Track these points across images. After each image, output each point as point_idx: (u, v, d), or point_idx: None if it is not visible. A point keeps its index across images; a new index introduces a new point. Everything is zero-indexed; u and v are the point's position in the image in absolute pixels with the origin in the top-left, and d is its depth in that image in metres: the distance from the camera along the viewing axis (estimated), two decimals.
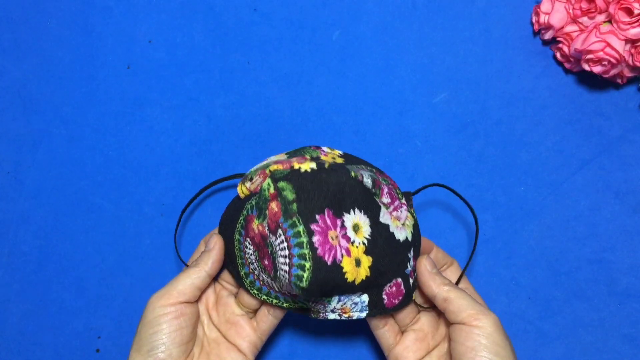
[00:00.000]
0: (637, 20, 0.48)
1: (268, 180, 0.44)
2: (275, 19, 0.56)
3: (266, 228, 0.44)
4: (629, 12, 0.48)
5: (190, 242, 0.54)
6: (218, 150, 0.55)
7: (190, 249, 0.54)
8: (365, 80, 0.55)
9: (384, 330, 0.47)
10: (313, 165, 0.44)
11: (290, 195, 0.43)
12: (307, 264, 0.42)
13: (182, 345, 0.43)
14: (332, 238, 0.43)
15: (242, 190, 0.46)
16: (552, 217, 0.53)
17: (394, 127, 0.55)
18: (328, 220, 0.43)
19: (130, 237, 0.54)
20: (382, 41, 0.56)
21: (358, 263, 0.43)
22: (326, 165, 0.44)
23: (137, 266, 0.54)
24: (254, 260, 0.46)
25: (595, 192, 0.53)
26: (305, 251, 0.42)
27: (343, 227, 0.43)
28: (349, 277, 0.43)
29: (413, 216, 0.48)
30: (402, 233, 0.46)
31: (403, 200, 0.47)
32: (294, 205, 0.43)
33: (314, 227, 0.42)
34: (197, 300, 0.46)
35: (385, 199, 0.45)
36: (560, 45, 0.53)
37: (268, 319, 0.47)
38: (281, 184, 0.44)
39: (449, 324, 0.45)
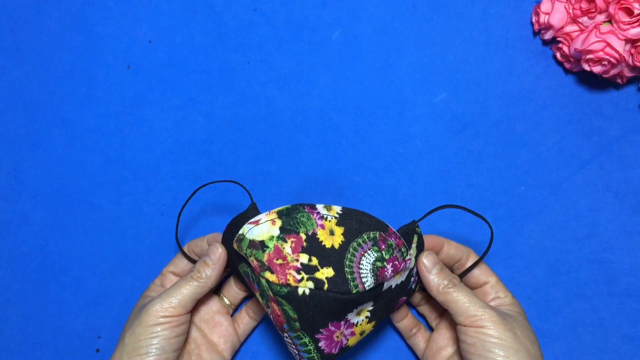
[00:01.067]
0: (637, 20, 0.48)
1: (266, 284, 0.43)
2: (275, 19, 0.56)
3: (271, 316, 0.45)
4: (629, 12, 0.48)
5: (189, 237, 0.54)
6: (218, 150, 0.55)
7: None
8: (365, 80, 0.55)
9: (416, 337, 0.50)
10: (311, 285, 0.41)
11: (291, 313, 0.42)
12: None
13: (177, 351, 0.45)
14: (337, 336, 0.44)
15: (237, 249, 0.45)
16: (552, 217, 0.53)
17: (394, 127, 0.55)
18: (332, 328, 0.44)
19: (130, 237, 0.54)
20: (382, 41, 0.56)
21: (362, 333, 0.46)
22: (325, 287, 0.41)
23: (137, 266, 0.54)
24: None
25: (595, 192, 0.53)
26: (314, 355, 0.44)
27: (347, 322, 0.44)
28: (354, 344, 0.46)
29: (418, 234, 0.46)
30: (405, 274, 0.46)
31: (408, 257, 0.45)
32: (297, 324, 0.43)
33: (319, 336, 0.44)
34: None
35: (390, 275, 0.43)
36: (560, 45, 0.53)
37: (247, 320, 0.50)
38: (280, 300, 0.42)
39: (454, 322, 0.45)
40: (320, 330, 0.43)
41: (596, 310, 0.52)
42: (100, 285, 0.54)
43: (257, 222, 0.44)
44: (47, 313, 0.54)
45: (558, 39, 0.53)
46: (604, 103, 0.54)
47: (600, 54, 0.49)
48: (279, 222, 0.44)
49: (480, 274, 0.47)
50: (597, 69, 0.50)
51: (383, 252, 0.43)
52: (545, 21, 0.53)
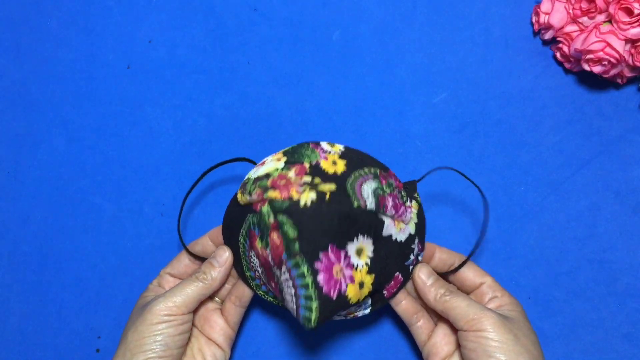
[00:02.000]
0: (637, 20, 0.48)
1: (267, 207, 0.43)
2: (275, 19, 0.56)
3: (269, 258, 0.43)
4: (629, 12, 0.48)
5: (189, 236, 0.54)
6: (218, 150, 0.55)
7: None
8: (365, 80, 0.55)
9: (418, 326, 0.49)
10: (313, 196, 0.41)
11: (291, 232, 0.42)
12: (314, 304, 0.42)
13: (181, 348, 0.45)
14: (337, 272, 0.43)
15: (241, 199, 0.45)
16: (552, 217, 0.53)
17: (394, 127, 0.55)
18: (332, 256, 0.42)
19: (130, 237, 0.54)
20: (382, 41, 0.56)
21: (361, 285, 0.44)
22: (327, 197, 0.41)
23: (137, 266, 0.54)
24: (260, 272, 0.46)
25: (595, 192, 0.53)
26: (311, 292, 0.42)
27: (347, 256, 0.43)
28: (353, 300, 0.43)
29: (417, 202, 0.47)
30: (405, 232, 0.46)
31: (408, 203, 0.46)
32: (296, 245, 0.42)
33: (318, 265, 0.42)
34: None
35: (390, 212, 0.44)
36: (560, 45, 0.53)
37: (236, 310, 0.49)
38: (281, 217, 0.42)
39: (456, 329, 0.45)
40: (320, 255, 0.42)
41: (596, 310, 0.52)
42: (100, 285, 0.54)
43: (262, 163, 0.45)
44: (47, 313, 0.54)
45: (558, 39, 0.53)
46: (604, 103, 0.54)
47: (600, 54, 0.49)
48: (284, 159, 0.45)
49: (475, 275, 0.47)
50: (597, 69, 0.50)
51: (384, 186, 0.44)
52: (545, 21, 0.53)
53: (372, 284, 0.44)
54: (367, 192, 0.43)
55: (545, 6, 0.53)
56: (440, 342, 0.47)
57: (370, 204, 0.42)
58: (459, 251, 0.49)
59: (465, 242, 0.53)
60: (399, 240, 0.45)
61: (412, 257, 0.47)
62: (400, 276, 0.47)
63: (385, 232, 0.44)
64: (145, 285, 0.53)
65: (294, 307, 0.43)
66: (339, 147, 0.46)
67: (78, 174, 0.55)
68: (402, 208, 0.45)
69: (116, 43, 0.57)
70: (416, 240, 0.47)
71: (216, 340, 0.48)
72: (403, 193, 0.46)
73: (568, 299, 0.52)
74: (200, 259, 0.49)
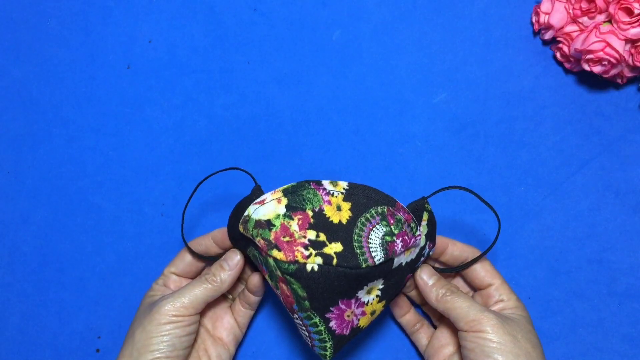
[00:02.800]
0: (637, 20, 0.48)
1: (273, 263, 0.42)
2: (275, 19, 0.56)
3: (281, 297, 0.44)
4: (629, 12, 0.48)
5: (190, 236, 0.54)
6: (218, 150, 0.55)
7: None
8: (365, 80, 0.55)
9: (419, 332, 0.50)
10: (319, 260, 0.41)
11: (300, 292, 0.42)
12: (328, 344, 0.44)
13: (187, 348, 0.45)
14: (348, 316, 0.44)
15: (243, 231, 0.44)
16: (552, 217, 0.53)
17: (394, 127, 0.55)
18: (342, 307, 0.43)
19: (130, 237, 0.54)
20: (382, 41, 0.56)
21: (373, 313, 0.45)
22: (334, 261, 0.41)
23: (137, 266, 0.54)
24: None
25: (595, 192, 0.53)
26: (325, 336, 0.44)
27: (357, 300, 0.43)
28: (365, 326, 0.45)
29: (428, 211, 0.45)
30: (415, 250, 0.45)
31: (418, 232, 0.44)
32: (306, 303, 0.42)
33: (329, 315, 0.43)
34: None
35: (400, 251, 0.43)
36: (560, 45, 0.53)
37: (244, 312, 0.50)
38: (289, 278, 0.42)
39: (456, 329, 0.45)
40: (331, 309, 0.42)
41: (596, 310, 0.52)
42: (100, 285, 0.54)
43: (262, 202, 0.43)
44: (47, 313, 0.54)
45: (558, 39, 0.53)
46: (604, 103, 0.54)
47: (600, 54, 0.49)
48: (284, 200, 0.43)
49: (485, 275, 0.47)
50: (597, 69, 0.50)
51: (392, 227, 0.42)
52: (545, 21, 0.53)
53: (383, 307, 0.46)
54: (374, 243, 0.42)
55: (545, 6, 0.53)
56: (439, 344, 0.48)
57: (379, 259, 0.41)
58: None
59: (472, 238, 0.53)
60: (408, 261, 0.45)
61: (422, 258, 0.47)
62: (410, 275, 0.47)
63: (395, 265, 0.43)
64: (145, 285, 0.53)
65: (309, 342, 0.45)
66: (342, 186, 0.44)
67: (78, 174, 0.55)
68: (412, 240, 0.44)
69: (116, 43, 0.57)
70: (427, 245, 0.46)
71: (224, 339, 0.49)
72: (412, 225, 0.44)
73: (568, 299, 0.52)
74: (204, 258, 0.49)
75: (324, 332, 0.43)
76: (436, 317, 0.51)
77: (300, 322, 0.44)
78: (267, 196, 0.44)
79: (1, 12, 0.57)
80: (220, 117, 0.55)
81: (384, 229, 0.42)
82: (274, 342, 0.53)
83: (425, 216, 0.45)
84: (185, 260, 0.49)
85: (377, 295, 0.44)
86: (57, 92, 0.56)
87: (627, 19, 0.48)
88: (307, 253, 0.41)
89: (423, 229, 0.45)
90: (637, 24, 0.48)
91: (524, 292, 0.53)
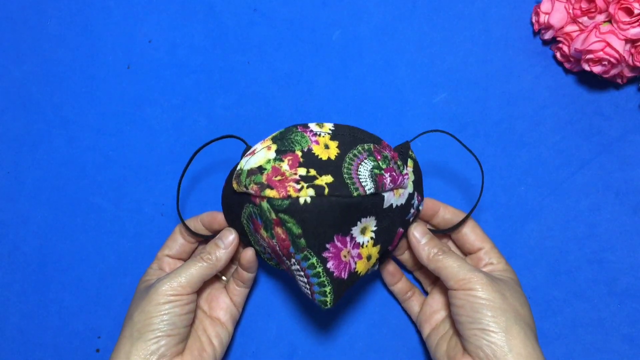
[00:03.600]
0: (637, 20, 0.48)
1: (267, 204, 0.43)
2: (275, 19, 0.56)
3: (277, 247, 0.44)
4: (629, 12, 0.48)
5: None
6: (218, 151, 0.55)
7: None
8: (365, 80, 0.55)
9: (411, 300, 0.51)
10: (311, 192, 0.41)
11: (295, 229, 0.42)
12: (328, 289, 0.44)
13: (187, 327, 0.46)
14: (344, 256, 0.44)
15: (238, 189, 0.45)
16: (552, 217, 0.53)
17: (394, 127, 0.55)
18: (338, 244, 0.44)
19: (130, 237, 0.54)
20: (382, 41, 0.56)
21: (369, 258, 0.45)
22: (325, 191, 0.42)
23: (137, 266, 0.54)
24: (269, 251, 0.47)
25: (595, 192, 0.53)
26: (323, 279, 0.44)
27: (352, 239, 0.44)
28: (363, 272, 0.45)
29: (412, 159, 0.48)
30: (404, 194, 0.46)
31: (405, 170, 0.46)
32: (302, 241, 0.43)
33: (326, 254, 0.43)
34: None
35: (389, 187, 0.44)
36: (560, 45, 0.53)
37: (239, 290, 0.51)
38: (282, 216, 0.42)
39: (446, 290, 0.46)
40: (327, 246, 0.43)
41: (596, 310, 0.52)
42: (100, 285, 0.54)
43: (253, 152, 0.45)
44: (47, 313, 0.54)
45: (558, 39, 0.53)
46: (604, 103, 0.54)
47: (600, 54, 0.49)
48: (274, 147, 0.44)
49: (476, 239, 0.48)
50: (597, 69, 0.50)
51: (379, 162, 0.44)
52: (545, 21, 0.53)
53: (378, 253, 0.46)
54: (364, 175, 0.43)
55: (545, 6, 0.53)
56: (431, 310, 0.49)
57: (370, 188, 0.43)
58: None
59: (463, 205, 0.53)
60: (399, 205, 0.46)
61: (412, 210, 0.48)
62: (400, 229, 0.48)
63: (385, 204, 0.45)
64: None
65: (308, 292, 0.44)
66: (328, 127, 0.46)
67: (78, 174, 0.55)
68: (400, 178, 0.45)
69: (116, 43, 0.57)
70: (415, 195, 0.48)
71: (221, 319, 0.50)
72: (399, 162, 0.46)
73: (568, 299, 0.52)
74: (199, 236, 0.49)
75: (322, 274, 0.43)
76: (427, 283, 0.52)
77: (298, 267, 0.44)
78: (257, 146, 0.45)
79: (1, 12, 0.57)
80: (220, 117, 0.55)
81: (372, 163, 0.44)
82: (274, 342, 0.53)
83: (410, 163, 0.47)
84: (178, 242, 0.50)
85: (371, 238, 0.45)
86: (57, 92, 0.56)
87: (627, 19, 0.48)
88: (298, 187, 0.42)
89: (411, 176, 0.47)
90: (637, 24, 0.48)
91: (524, 292, 0.52)
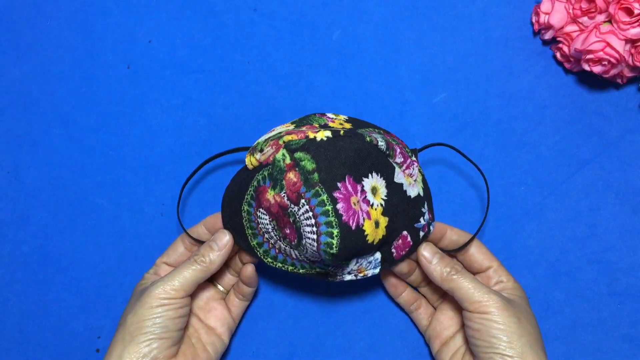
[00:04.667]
0: (637, 20, 0.48)
1: (282, 151, 0.45)
2: (275, 19, 0.56)
3: (285, 198, 0.44)
4: (629, 12, 0.48)
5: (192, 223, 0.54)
6: (218, 151, 0.55)
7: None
8: (365, 80, 0.55)
9: (418, 313, 0.51)
10: (328, 133, 0.44)
11: (309, 165, 0.44)
12: (335, 231, 0.43)
13: (180, 331, 0.46)
14: (354, 203, 0.44)
15: (251, 161, 0.47)
16: (552, 217, 0.53)
17: (394, 127, 0.55)
18: (349, 187, 0.44)
19: (130, 237, 0.54)
20: (382, 41, 0.56)
21: (377, 225, 0.45)
22: (341, 133, 0.45)
23: (137, 266, 0.54)
24: (270, 230, 0.47)
25: (595, 192, 0.53)
26: (332, 219, 0.43)
27: (363, 191, 0.45)
28: (370, 238, 0.45)
29: (421, 172, 0.49)
30: (414, 190, 0.48)
31: (413, 158, 0.48)
32: (315, 175, 0.44)
33: (336, 194, 0.44)
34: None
35: (399, 159, 0.47)
36: (560, 45, 0.53)
37: (238, 302, 0.51)
38: (298, 154, 0.44)
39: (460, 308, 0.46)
40: (338, 185, 0.44)
41: (596, 310, 0.52)
42: (100, 285, 0.54)
43: (272, 131, 0.49)
44: (47, 313, 0.54)
45: (558, 39, 0.53)
46: (604, 103, 0.54)
47: (600, 54, 0.49)
48: (292, 126, 0.49)
49: (484, 258, 0.49)
50: (597, 69, 0.50)
51: (389, 139, 0.47)
52: (545, 21, 0.53)
53: (385, 227, 0.46)
54: (377, 137, 0.46)
55: (545, 6, 0.53)
56: (441, 325, 0.49)
57: (382, 143, 0.45)
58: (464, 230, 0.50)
59: (470, 223, 0.53)
60: (408, 194, 0.47)
61: (422, 221, 0.48)
62: (408, 238, 0.48)
63: (396, 179, 0.46)
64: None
65: (314, 237, 0.44)
66: (343, 117, 0.51)
67: (78, 174, 0.55)
68: (409, 160, 0.48)
69: (116, 43, 0.57)
70: (425, 206, 0.48)
71: (218, 329, 0.49)
72: (407, 149, 0.49)
73: (568, 299, 0.52)
74: (199, 242, 0.49)
75: (331, 213, 0.43)
76: (434, 298, 0.51)
77: (307, 208, 0.44)
78: (277, 127, 0.49)
79: (1, 12, 0.57)
80: (220, 117, 0.55)
81: (384, 138, 0.47)
82: (274, 342, 0.53)
83: (419, 177, 0.49)
84: (178, 251, 0.50)
85: (380, 204, 0.45)
86: (57, 92, 0.56)
87: (627, 19, 0.48)
88: (316, 130, 0.45)
89: (418, 179, 0.49)
90: (637, 24, 0.48)
91: (524, 292, 0.52)
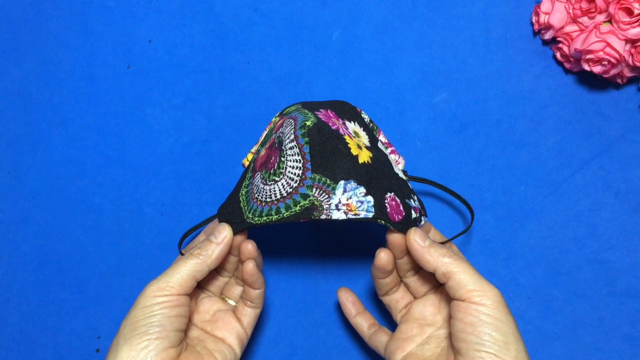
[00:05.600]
0: (637, 20, 0.48)
1: (274, 118, 0.52)
2: (275, 19, 0.56)
3: (275, 137, 0.46)
4: (629, 12, 0.48)
5: (192, 222, 0.54)
6: (218, 150, 0.55)
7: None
8: (365, 80, 0.55)
9: (377, 334, 0.47)
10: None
11: (294, 107, 0.50)
12: (312, 117, 0.45)
13: (178, 331, 0.42)
14: (335, 122, 0.47)
15: (247, 158, 0.52)
16: (552, 217, 0.53)
17: (394, 127, 0.55)
18: (331, 114, 0.48)
19: (130, 237, 0.54)
20: (382, 41, 0.56)
21: (359, 147, 0.45)
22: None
23: (137, 266, 0.54)
24: (259, 181, 0.45)
25: (595, 192, 0.53)
26: (309, 115, 0.46)
27: (344, 125, 0.47)
28: (353, 150, 0.44)
29: (406, 174, 0.50)
30: (399, 171, 0.48)
31: (399, 155, 0.52)
32: (299, 106, 0.50)
33: (318, 114, 0.47)
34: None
35: (383, 139, 0.49)
36: (560, 45, 0.53)
37: (249, 311, 0.47)
38: (287, 110, 0.51)
39: (449, 299, 0.42)
40: (320, 110, 0.48)
41: (596, 310, 0.52)
42: (100, 285, 0.54)
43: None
44: (47, 313, 0.54)
45: (558, 39, 0.53)
46: (604, 103, 0.54)
47: (600, 54, 0.49)
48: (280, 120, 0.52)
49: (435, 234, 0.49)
50: (597, 69, 0.50)
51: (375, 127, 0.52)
52: (545, 21, 0.53)
53: (370, 158, 0.45)
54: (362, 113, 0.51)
55: (545, 6, 0.53)
56: (404, 337, 0.45)
57: (365, 115, 0.51)
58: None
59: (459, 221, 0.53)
60: (394, 167, 0.48)
61: (413, 202, 0.46)
62: (401, 207, 0.44)
63: (380, 146, 0.50)
64: (144, 285, 0.53)
65: (293, 136, 0.44)
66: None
67: (78, 174, 0.55)
68: (393, 148, 0.52)
69: (116, 43, 0.57)
70: (415, 197, 0.47)
71: (227, 339, 0.46)
72: (381, 137, 0.53)
73: (568, 299, 0.52)
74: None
75: (310, 115, 0.46)
76: (419, 290, 0.47)
77: (291, 120, 0.46)
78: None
79: (1, 12, 0.57)
80: (220, 117, 0.55)
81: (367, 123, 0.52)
82: (274, 341, 0.53)
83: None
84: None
85: (364, 144, 0.47)
86: (57, 92, 0.56)
87: (627, 19, 0.48)
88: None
89: (403, 174, 0.49)
90: (637, 24, 0.48)
91: (524, 292, 0.53)
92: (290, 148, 0.44)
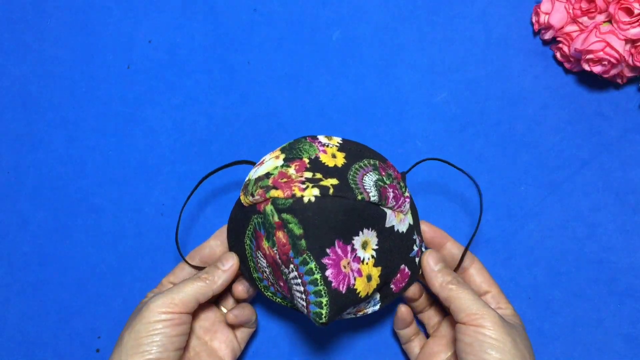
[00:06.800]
0: (637, 20, 0.48)
1: (271, 206, 0.42)
2: (275, 19, 0.56)
3: (277, 257, 0.43)
4: (629, 12, 0.48)
5: (191, 240, 0.54)
6: (218, 150, 0.55)
7: (191, 247, 0.54)
8: (365, 80, 0.55)
9: (412, 342, 0.50)
10: (316, 192, 0.41)
11: (296, 230, 0.42)
12: (324, 300, 0.42)
13: (178, 351, 0.44)
14: (344, 266, 0.43)
15: (244, 200, 0.45)
16: (552, 217, 0.53)
17: (394, 127, 0.55)
18: (339, 251, 0.42)
19: (130, 237, 0.54)
20: (382, 41, 0.56)
21: (369, 278, 0.44)
22: (330, 191, 0.42)
23: (137, 266, 0.54)
24: (268, 273, 0.46)
25: (595, 192, 0.53)
26: (320, 288, 0.42)
27: (353, 250, 0.43)
28: (362, 294, 0.43)
29: (410, 197, 0.48)
30: (405, 223, 0.46)
31: (406, 194, 0.47)
32: (303, 242, 0.42)
33: (325, 260, 0.42)
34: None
35: (391, 204, 0.44)
36: (560, 45, 0.53)
37: (246, 330, 0.50)
38: (285, 216, 0.42)
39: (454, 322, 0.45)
40: (327, 251, 0.42)
41: (596, 310, 0.52)
42: (100, 285, 0.54)
43: (261, 163, 0.46)
44: (47, 313, 0.54)
45: (558, 39, 0.53)
46: (604, 103, 0.54)
47: (600, 54, 0.49)
48: (282, 156, 0.45)
49: (483, 281, 0.48)
50: (597, 69, 0.50)
51: (384, 177, 0.45)
52: (545, 21, 0.53)
53: (379, 277, 0.45)
54: (369, 184, 0.43)
55: (545, 6, 0.53)
56: (431, 351, 0.48)
57: (374, 196, 0.43)
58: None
59: (461, 233, 0.53)
60: (400, 231, 0.46)
61: (415, 248, 0.47)
62: (406, 269, 0.47)
63: (387, 224, 0.44)
64: (145, 285, 0.53)
65: (304, 304, 0.43)
66: (337, 140, 0.47)
67: (78, 174, 0.55)
68: (402, 199, 0.45)
69: (116, 43, 0.57)
70: (415, 232, 0.47)
71: (220, 352, 0.48)
72: (402, 183, 0.47)
73: (568, 299, 0.52)
74: (201, 269, 0.48)
75: (320, 282, 0.41)
76: (431, 325, 0.50)
77: (296, 274, 0.42)
78: (266, 157, 0.46)
79: (1, 12, 0.57)
80: (220, 117, 0.55)
81: (377, 176, 0.44)
82: (274, 341, 0.53)
83: (407, 193, 0.47)
84: (184, 270, 0.49)
85: (372, 256, 0.44)
86: (57, 92, 0.56)
87: (627, 19, 0.48)
88: (303, 187, 0.42)
89: (408, 213, 0.47)
90: (637, 24, 0.48)
91: (524, 292, 0.53)
92: (300, 299, 0.44)
